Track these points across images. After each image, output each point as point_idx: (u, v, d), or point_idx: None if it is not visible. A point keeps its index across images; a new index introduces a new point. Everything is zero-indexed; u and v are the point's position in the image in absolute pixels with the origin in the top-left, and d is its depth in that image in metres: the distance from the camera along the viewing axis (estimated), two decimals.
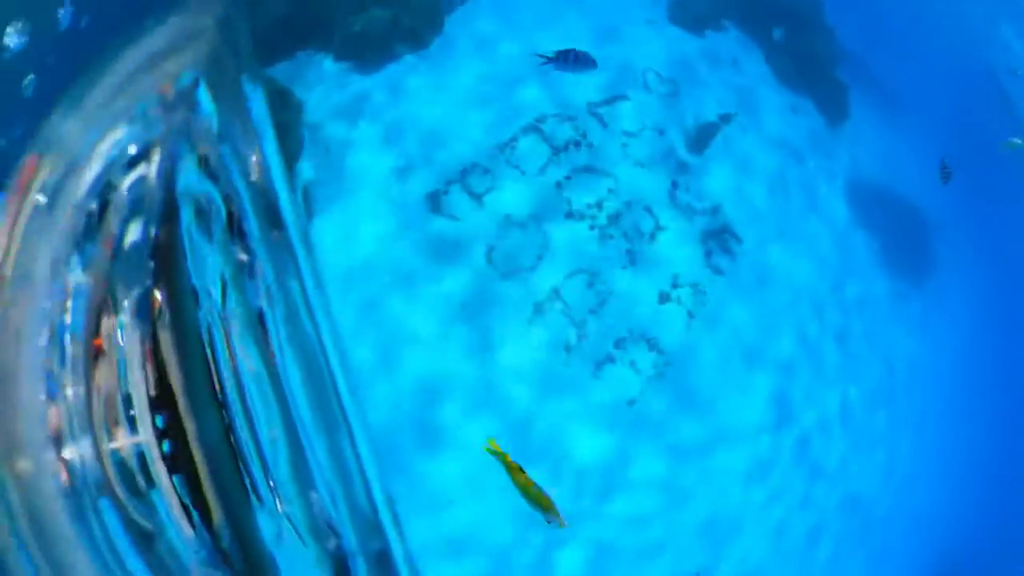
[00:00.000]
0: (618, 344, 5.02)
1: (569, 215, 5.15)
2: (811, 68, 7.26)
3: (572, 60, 4.07)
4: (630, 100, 5.63)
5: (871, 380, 7.02)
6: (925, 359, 8.04)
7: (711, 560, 5.38)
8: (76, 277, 0.39)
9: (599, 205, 5.21)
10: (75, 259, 0.40)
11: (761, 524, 5.65)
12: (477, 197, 5.07)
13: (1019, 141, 6.75)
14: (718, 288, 5.48)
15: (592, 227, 5.14)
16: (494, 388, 4.78)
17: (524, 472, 2.31)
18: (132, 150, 0.41)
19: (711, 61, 6.31)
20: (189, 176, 0.40)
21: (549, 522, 2.36)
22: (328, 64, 5.38)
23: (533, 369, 4.84)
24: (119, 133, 0.41)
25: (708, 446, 5.33)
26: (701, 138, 5.84)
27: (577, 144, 5.32)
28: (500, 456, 2.30)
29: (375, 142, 5.11)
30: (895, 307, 7.77)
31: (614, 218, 5.21)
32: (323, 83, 5.32)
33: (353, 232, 4.87)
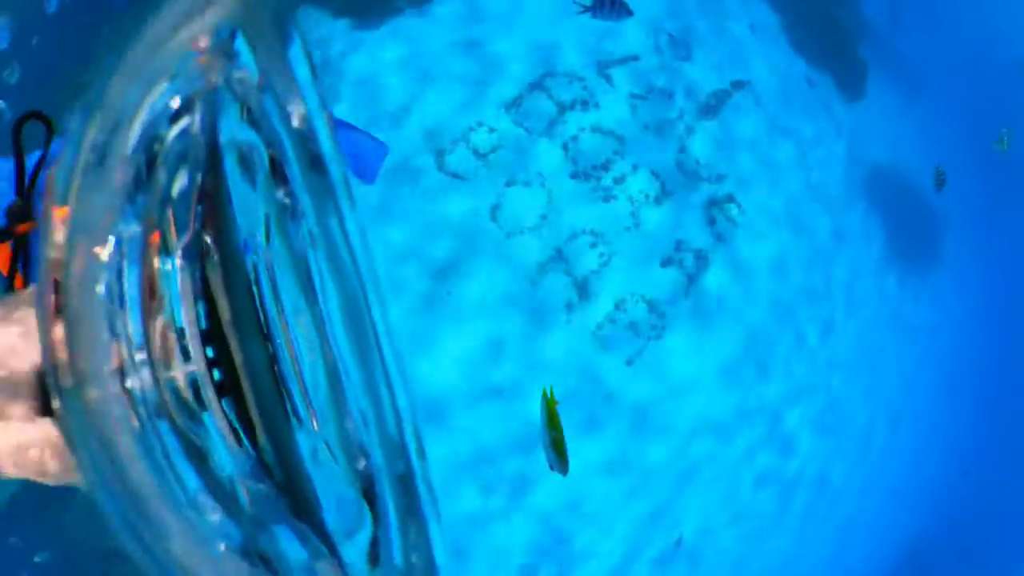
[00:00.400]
0: (619, 305, 5.03)
1: (575, 175, 5.14)
2: (831, 41, 7.15)
3: (609, 7, 4.07)
4: (641, 61, 5.58)
5: (859, 370, 7.00)
6: (920, 347, 7.99)
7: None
8: (129, 225, 0.42)
9: (605, 166, 5.19)
10: (128, 209, 0.43)
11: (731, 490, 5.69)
12: (482, 156, 5.07)
13: (1005, 140, 6.61)
14: (719, 256, 5.46)
15: (596, 188, 5.13)
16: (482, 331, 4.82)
17: (559, 421, 2.49)
18: (175, 104, 0.43)
19: (726, 26, 6.22)
20: (231, 125, 0.42)
21: (552, 467, 2.49)
22: (328, 21, 5.37)
23: (532, 320, 4.87)
24: (161, 88, 0.43)
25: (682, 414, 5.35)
26: (711, 104, 5.78)
27: (584, 104, 5.28)
28: (550, 398, 2.48)
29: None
30: (893, 294, 7.71)
31: (619, 180, 5.19)
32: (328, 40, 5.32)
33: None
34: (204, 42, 0.52)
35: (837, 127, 7.24)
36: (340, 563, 0.55)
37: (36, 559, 4.67)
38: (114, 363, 0.53)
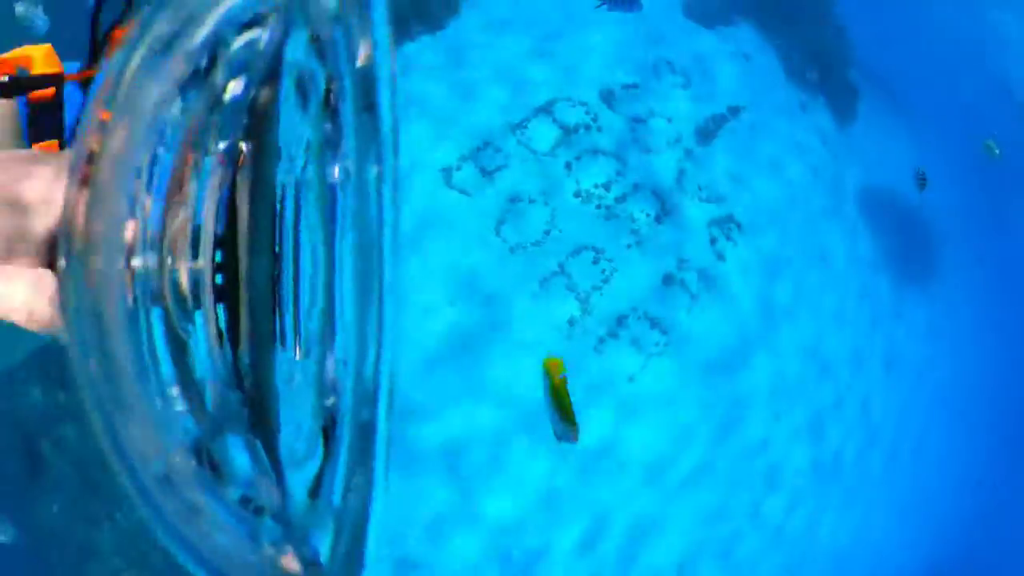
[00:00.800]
0: (620, 322, 5.17)
1: (577, 195, 5.31)
2: (822, 67, 7.39)
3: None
4: (640, 88, 5.79)
5: (867, 383, 7.12)
6: (923, 363, 8.11)
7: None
8: (175, 117, 0.44)
9: (607, 186, 5.37)
10: (177, 102, 0.44)
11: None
12: (488, 174, 5.24)
13: (994, 146, 6.81)
14: (721, 274, 5.62)
15: (599, 207, 5.30)
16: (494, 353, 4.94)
17: (565, 386, 2.37)
18: (248, 15, 0.44)
19: (722, 55, 6.46)
20: (297, 49, 0.43)
21: (561, 438, 2.34)
22: None
23: (536, 341, 4.99)
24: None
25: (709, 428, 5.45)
26: (709, 128, 5.99)
27: (588, 128, 5.47)
28: (558, 365, 2.31)
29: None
30: (896, 310, 7.86)
31: (620, 199, 5.36)
32: None
33: None
34: None
35: (830, 148, 7.45)
36: (281, 486, 0.56)
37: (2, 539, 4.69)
38: (126, 239, 0.54)
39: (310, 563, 0.53)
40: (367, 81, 0.55)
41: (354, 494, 0.53)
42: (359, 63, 0.54)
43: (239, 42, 0.53)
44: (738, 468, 5.62)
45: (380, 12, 0.54)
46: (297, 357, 0.57)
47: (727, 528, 5.69)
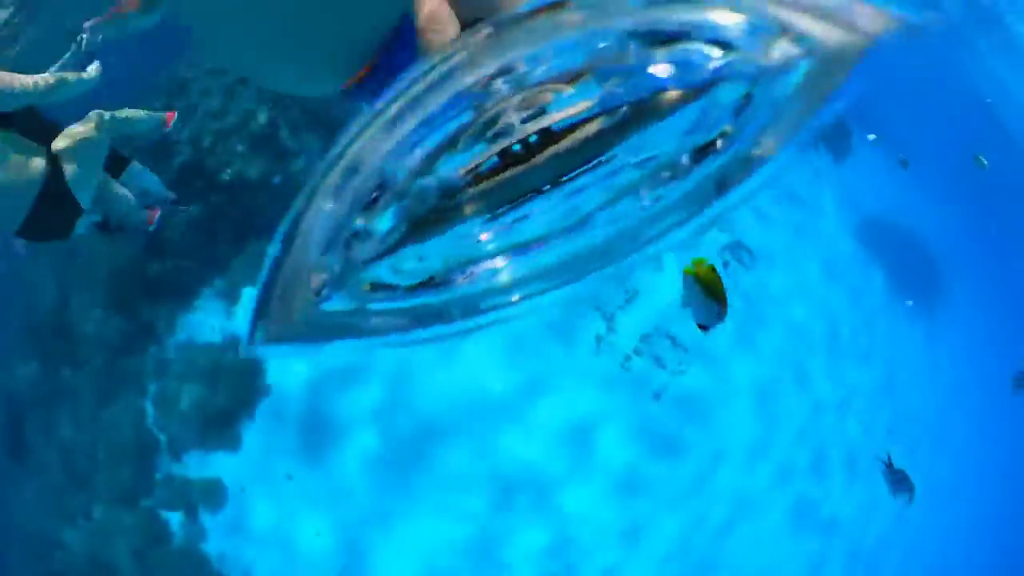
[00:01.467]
0: (644, 339, 5.45)
1: None
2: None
3: None
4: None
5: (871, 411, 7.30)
6: (930, 392, 8.28)
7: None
8: (608, 45, 0.52)
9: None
10: (616, 39, 0.52)
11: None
12: None
13: (982, 159, 7.18)
14: (733, 298, 5.91)
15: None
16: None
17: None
18: (725, 36, 0.52)
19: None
20: (724, 96, 0.46)
21: (706, 325, 2.21)
22: None
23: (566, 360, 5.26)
24: (731, 20, 0.51)
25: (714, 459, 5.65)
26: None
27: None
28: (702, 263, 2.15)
29: None
30: (900, 339, 8.09)
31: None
32: None
33: None
34: (785, 47, 0.52)
35: (828, 184, 7.89)
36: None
37: None
38: (501, 68, 0.55)
39: None
40: (745, 166, 0.54)
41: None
42: (756, 148, 0.54)
43: (703, 48, 0.53)
44: (761, 499, 5.77)
45: (806, 133, 0.53)
46: (487, 249, 0.58)
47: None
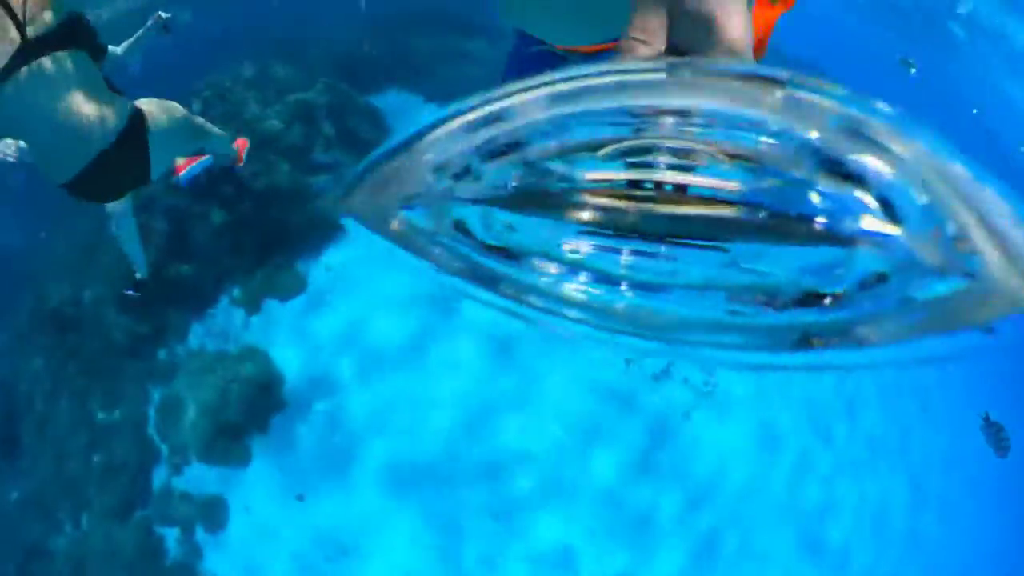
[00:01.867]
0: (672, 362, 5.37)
1: None
2: None
3: None
4: None
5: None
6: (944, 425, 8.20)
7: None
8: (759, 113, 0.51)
9: None
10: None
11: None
12: None
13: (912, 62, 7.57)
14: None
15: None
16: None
17: None
18: (885, 210, 0.48)
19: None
20: (862, 262, 0.47)
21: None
22: None
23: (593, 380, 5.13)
24: (915, 192, 0.47)
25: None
26: None
27: None
28: None
29: None
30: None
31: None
32: None
33: None
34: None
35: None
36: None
37: None
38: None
39: None
40: (838, 338, 0.52)
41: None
42: (861, 327, 0.52)
43: (870, 201, 0.50)
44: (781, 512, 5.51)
45: (917, 349, 0.50)
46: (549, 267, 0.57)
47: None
